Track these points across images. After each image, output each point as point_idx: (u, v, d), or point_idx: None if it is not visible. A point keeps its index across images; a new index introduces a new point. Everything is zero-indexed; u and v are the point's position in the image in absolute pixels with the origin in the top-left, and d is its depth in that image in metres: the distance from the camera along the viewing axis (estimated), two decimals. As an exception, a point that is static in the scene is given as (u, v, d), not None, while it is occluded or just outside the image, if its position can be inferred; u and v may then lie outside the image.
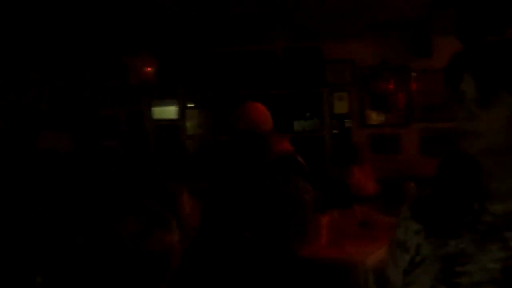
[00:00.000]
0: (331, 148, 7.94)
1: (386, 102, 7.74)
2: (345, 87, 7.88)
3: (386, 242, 1.55)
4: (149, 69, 7.07)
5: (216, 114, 8.35)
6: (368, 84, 7.75)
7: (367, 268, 4.16)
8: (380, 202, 6.17)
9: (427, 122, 7.59)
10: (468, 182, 1.36)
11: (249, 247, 3.17)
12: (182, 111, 8.36)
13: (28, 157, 7.84)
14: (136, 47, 7.10)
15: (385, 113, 7.77)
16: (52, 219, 4.10)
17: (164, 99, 8.43)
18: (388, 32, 7.06)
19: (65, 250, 3.10)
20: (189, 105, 8.48)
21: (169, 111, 8.41)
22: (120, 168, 7.61)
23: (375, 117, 7.80)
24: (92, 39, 7.19)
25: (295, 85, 7.93)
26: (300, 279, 3.28)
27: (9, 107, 8.14)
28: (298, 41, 7.58)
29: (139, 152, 8.18)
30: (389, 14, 6.24)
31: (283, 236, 3.20)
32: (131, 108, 8.29)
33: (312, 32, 7.16)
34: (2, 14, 5.75)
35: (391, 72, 7.66)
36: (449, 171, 2.93)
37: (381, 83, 7.69)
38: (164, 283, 2.19)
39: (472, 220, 1.30)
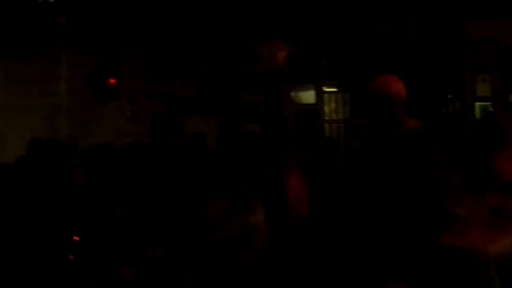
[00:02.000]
0: (474, 132, 7.58)
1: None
2: (487, 68, 7.46)
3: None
4: (283, 54, 7.23)
5: (353, 98, 8.33)
6: (513, 65, 7.27)
7: (489, 258, 3.97)
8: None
9: None
10: None
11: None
12: (320, 95, 8.44)
13: (177, 141, 8.41)
14: (270, 34, 7.29)
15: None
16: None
17: (303, 84, 8.56)
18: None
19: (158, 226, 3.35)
20: (327, 90, 8.53)
21: (307, 96, 8.53)
22: (259, 152, 7.86)
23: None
24: (231, 28, 7.50)
25: (433, 67, 7.65)
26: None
27: (160, 94, 8.78)
28: (435, 22, 7.30)
29: (279, 136, 8.41)
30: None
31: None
32: (271, 93, 8.52)
33: (453, 11, 6.88)
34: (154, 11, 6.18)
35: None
36: None
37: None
38: (250, 263, 2.30)
39: None
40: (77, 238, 3.51)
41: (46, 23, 6.21)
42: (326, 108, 8.56)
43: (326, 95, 8.54)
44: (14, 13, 5.65)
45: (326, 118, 8.55)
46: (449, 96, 8.04)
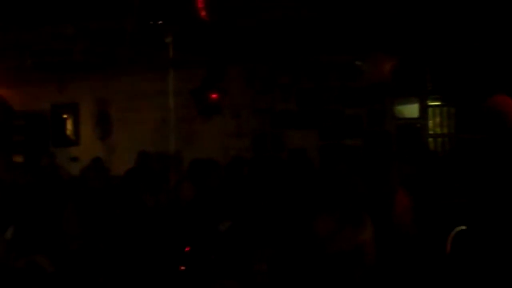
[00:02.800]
0: None
1: None
2: None
3: None
4: (387, 68, 7.15)
5: (460, 112, 8.07)
6: None
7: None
8: None
9: None
10: None
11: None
12: (424, 109, 8.26)
13: (277, 155, 8.50)
14: (374, 48, 7.23)
15: None
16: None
17: (406, 98, 8.41)
18: None
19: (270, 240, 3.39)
20: (431, 104, 8.33)
21: (411, 110, 8.37)
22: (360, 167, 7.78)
23: None
24: (333, 42, 7.51)
25: None
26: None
27: (262, 109, 8.92)
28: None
29: (381, 151, 8.30)
30: None
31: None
32: (374, 107, 8.44)
33: None
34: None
35: None
36: None
37: None
38: (360, 278, 2.31)
39: None
40: (188, 249, 3.63)
41: (155, 43, 6.51)
42: (430, 122, 8.36)
43: (430, 109, 8.34)
44: (126, 34, 5.98)
45: (430, 132, 8.35)
46: None
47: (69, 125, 11.26)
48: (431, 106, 8.34)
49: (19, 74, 9.43)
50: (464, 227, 3.16)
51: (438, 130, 8.43)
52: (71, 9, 5.20)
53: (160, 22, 5.02)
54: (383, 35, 7.06)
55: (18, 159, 10.87)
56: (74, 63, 6.43)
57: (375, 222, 2.43)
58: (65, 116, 11.30)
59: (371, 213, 2.49)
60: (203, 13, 4.75)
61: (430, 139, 8.34)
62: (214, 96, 7.98)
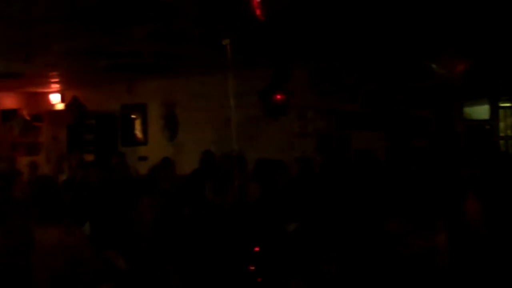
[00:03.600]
0: None
1: None
2: None
3: None
4: (458, 68, 6.99)
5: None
6: None
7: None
8: None
9: None
10: None
11: None
12: (495, 110, 8.03)
13: (343, 156, 8.45)
14: (443, 47, 7.08)
15: None
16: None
17: (476, 99, 8.21)
18: None
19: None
20: (502, 105, 8.10)
21: (481, 111, 8.16)
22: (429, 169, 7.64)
23: None
24: (400, 42, 7.41)
25: None
26: None
27: (327, 110, 8.89)
28: None
29: (449, 153, 8.12)
30: None
31: None
32: (442, 108, 8.27)
33: None
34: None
35: None
36: None
37: None
38: (433, 282, 2.29)
39: None
40: (258, 249, 3.67)
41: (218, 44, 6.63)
42: (501, 124, 8.13)
43: (501, 110, 8.10)
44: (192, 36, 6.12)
45: (501, 134, 8.11)
46: None
47: (138, 125, 11.56)
48: (503, 107, 8.11)
49: (92, 76, 9.77)
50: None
51: (509, 132, 8.19)
52: (142, 12, 5.35)
53: (217, 23, 5.09)
54: (455, 35, 6.91)
55: (89, 157, 11.23)
56: (144, 64, 6.61)
57: (447, 226, 2.40)
58: (133, 116, 11.61)
59: (443, 216, 2.46)
60: (258, 12, 4.77)
61: (501, 141, 8.10)
62: (280, 97, 8.01)
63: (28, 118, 11.50)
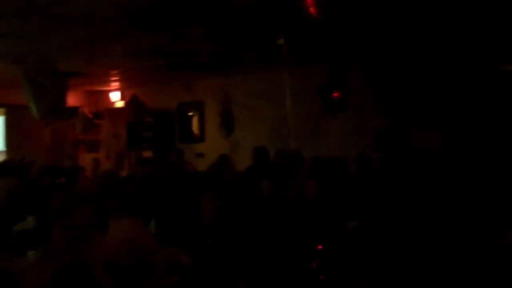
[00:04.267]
0: None
1: None
2: None
3: None
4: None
5: None
6: None
7: None
8: None
9: None
10: None
11: None
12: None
13: (404, 154, 8.32)
14: (508, 43, 6.88)
15: None
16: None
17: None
18: None
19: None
20: None
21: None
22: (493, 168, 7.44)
23: None
24: (462, 38, 7.24)
25: None
26: None
27: (385, 107, 8.78)
28: None
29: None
30: None
31: None
32: (505, 105, 8.04)
33: None
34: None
35: None
36: None
37: None
38: (502, 278, 2.24)
39: None
40: (321, 247, 3.66)
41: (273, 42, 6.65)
42: None
43: None
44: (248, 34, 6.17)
45: None
46: None
47: (195, 122, 11.70)
48: None
49: (151, 74, 9.94)
50: None
51: None
52: (201, 12, 5.41)
53: (273, 22, 5.10)
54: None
55: (147, 154, 11.44)
56: (203, 63, 6.69)
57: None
58: (191, 113, 11.75)
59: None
60: (312, 10, 4.74)
61: None
62: (337, 94, 7.96)
63: (90, 116, 11.79)
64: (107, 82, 11.60)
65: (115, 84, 12.16)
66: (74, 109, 11.48)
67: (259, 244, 3.80)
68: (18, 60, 7.89)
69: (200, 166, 8.90)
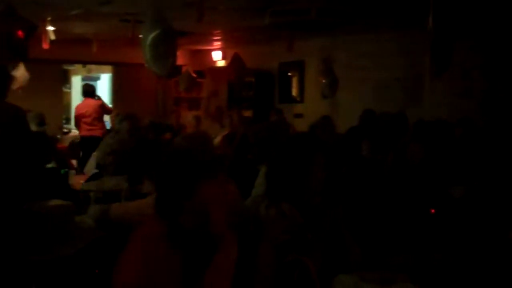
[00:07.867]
0: None
1: None
2: None
3: None
4: None
5: None
6: None
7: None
8: None
9: None
10: None
11: None
12: None
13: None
14: None
15: None
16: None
17: None
18: None
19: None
20: None
21: None
22: None
23: None
24: None
25: None
26: None
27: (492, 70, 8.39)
28: None
29: None
30: None
31: None
32: None
33: None
34: None
35: None
36: None
37: None
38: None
39: None
40: (433, 211, 3.59)
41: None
42: None
43: None
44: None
45: None
46: None
47: (295, 83, 11.71)
48: None
49: (253, 34, 10.01)
50: None
51: None
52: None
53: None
54: None
55: (247, 113, 11.61)
56: (310, 22, 6.63)
57: None
58: (290, 74, 11.76)
59: None
60: None
61: None
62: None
63: (193, 74, 12.08)
64: (210, 41, 11.80)
65: (218, 44, 12.36)
66: (179, 68, 11.79)
67: (358, 205, 3.81)
68: (125, 19, 8.19)
69: (298, 126, 8.95)
